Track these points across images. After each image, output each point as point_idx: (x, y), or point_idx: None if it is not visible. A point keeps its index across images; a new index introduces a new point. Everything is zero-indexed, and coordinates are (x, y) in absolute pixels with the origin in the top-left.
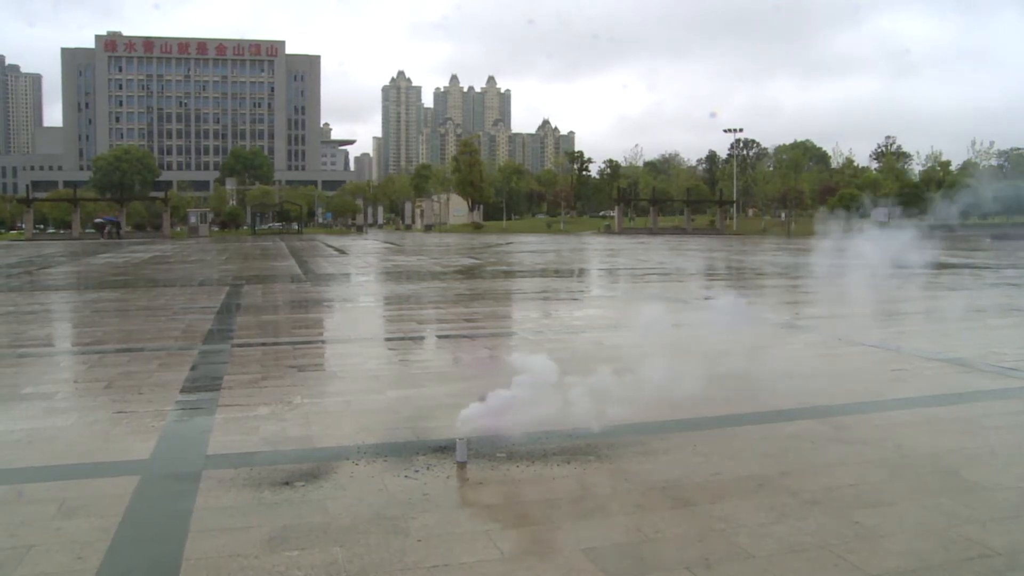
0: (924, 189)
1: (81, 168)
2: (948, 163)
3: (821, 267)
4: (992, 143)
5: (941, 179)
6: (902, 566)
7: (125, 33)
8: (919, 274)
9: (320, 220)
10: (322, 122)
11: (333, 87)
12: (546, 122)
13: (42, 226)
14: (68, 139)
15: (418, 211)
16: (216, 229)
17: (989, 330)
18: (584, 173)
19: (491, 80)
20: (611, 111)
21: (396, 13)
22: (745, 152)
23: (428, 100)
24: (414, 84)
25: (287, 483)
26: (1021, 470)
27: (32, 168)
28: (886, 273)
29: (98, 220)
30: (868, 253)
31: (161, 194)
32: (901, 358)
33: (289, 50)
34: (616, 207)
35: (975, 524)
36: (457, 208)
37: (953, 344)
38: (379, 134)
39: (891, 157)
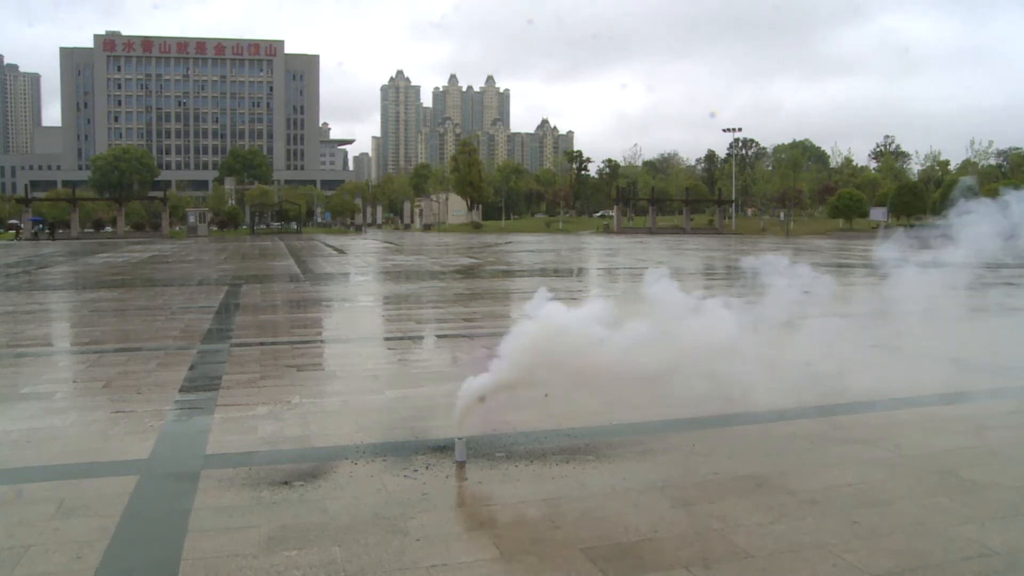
0: None
1: (80, 168)
2: (947, 163)
3: (820, 267)
4: (991, 143)
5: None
6: (901, 565)
7: (124, 33)
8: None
9: (319, 220)
10: (321, 122)
11: (332, 87)
12: (545, 122)
13: (40, 225)
14: (67, 139)
15: (417, 211)
16: (215, 229)
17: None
18: (583, 173)
19: (490, 80)
20: (610, 111)
21: (395, 13)
22: (744, 152)
23: (427, 100)
24: (413, 84)
25: (286, 483)
26: (1020, 470)
27: (31, 168)
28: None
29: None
30: None
31: (160, 194)
32: (901, 357)
33: (288, 50)
34: (615, 207)
35: (974, 524)
36: (456, 208)
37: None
38: (378, 134)
39: (890, 156)
